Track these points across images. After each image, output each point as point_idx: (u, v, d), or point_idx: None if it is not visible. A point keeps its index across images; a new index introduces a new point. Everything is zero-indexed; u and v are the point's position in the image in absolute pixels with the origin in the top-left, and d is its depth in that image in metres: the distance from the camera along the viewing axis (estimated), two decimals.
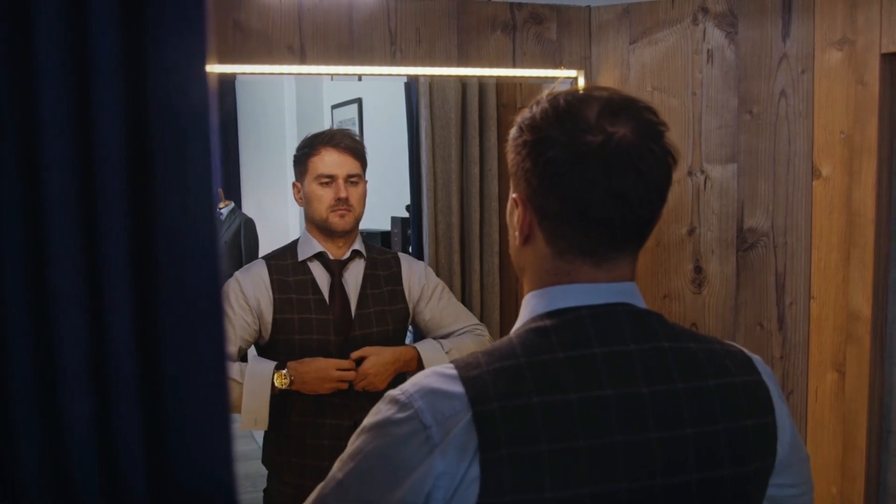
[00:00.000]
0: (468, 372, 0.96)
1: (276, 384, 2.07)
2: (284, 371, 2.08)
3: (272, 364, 2.10)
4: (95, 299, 0.74)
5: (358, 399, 2.12)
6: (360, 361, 2.13)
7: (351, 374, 2.10)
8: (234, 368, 2.09)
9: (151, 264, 0.75)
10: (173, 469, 0.78)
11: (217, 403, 0.79)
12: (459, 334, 2.28)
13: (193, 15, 0.73)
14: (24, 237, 0.71)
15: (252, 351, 2.21)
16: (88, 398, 0.74)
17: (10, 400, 0.72)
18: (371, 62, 2.32)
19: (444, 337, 2.29)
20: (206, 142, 0.74)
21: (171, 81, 0.73)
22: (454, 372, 0.96)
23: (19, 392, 0.73)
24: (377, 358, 2.13)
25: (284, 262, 2.20)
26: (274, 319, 2.13)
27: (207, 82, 0.74)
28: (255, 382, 2.06)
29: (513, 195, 1.05)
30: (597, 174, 0.95)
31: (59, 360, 0.73)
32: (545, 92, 1.03)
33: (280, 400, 2.11)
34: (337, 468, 1.00)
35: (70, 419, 0.74)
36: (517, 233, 1.05)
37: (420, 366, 2.17)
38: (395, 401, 0.97)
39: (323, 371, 2.08)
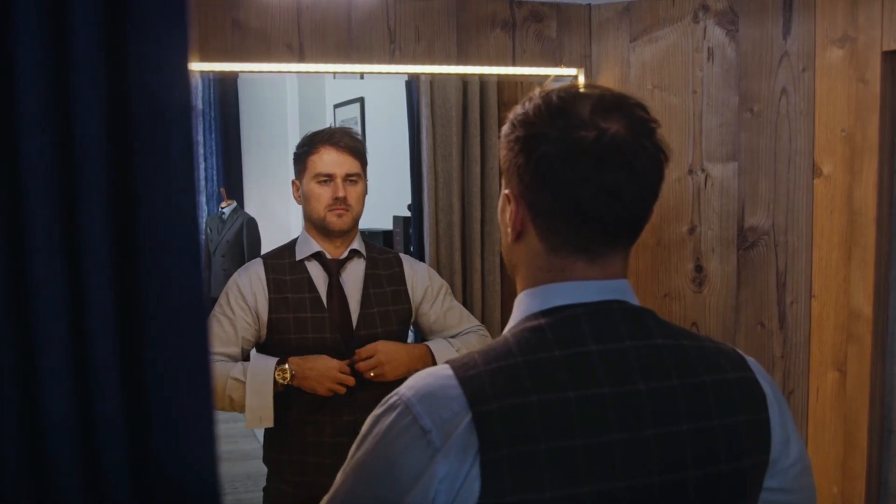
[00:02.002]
0: (465, 372, 0.95)
1: (277, 379, 2.06)
2: (286, 366, 2.07)
3: (273, 360, 2.09)
4: (77, 297, 0.73)
5: (359, 396, 2.11)
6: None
7: (351, 380, 2.09)
8: (237, 368, 2.08)
9: (133, 261, 0.75)
10: (156, 467, 0.77)
11: (201, 401, 0.78)
12: (464, 334, 2.28)
13: (176, 9, 0.73)
14: (3, 235, 0.71)
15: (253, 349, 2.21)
16: (70, 397, 0.74)
17: None
18: (370, 60, 2.31)
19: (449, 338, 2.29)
20: (188, 138, 0.74)
21: (153, 77, 0.73)
22: (450, 373, 0.95)
23: None
24: (391, 346, 2.13)
25: (282, 262, 2.20)
26: (269, 319, 2.13)
27: (190, 78, 0.73)
28: (257, 380, 2.06)
29: (505, 191, 1.04)
30: (589, 170, 0.95)
31: (39, 359, 0.72)
32: (537, 89, 1.03)
33: (281, 397, 2.11)
34: (340, 481, 0.99)
35: (51, 418, 0.73)
36: (509, 229, 1.04)
37: (433, 364, 2.16)
38: (392, 406, 0.96)
39: (326, 370, 2.07)
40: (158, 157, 0.74)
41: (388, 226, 3.11)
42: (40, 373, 0.73)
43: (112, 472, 0.76)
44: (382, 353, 2.11)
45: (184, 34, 0.73)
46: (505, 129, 1.03)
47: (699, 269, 2.44)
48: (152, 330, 0.76)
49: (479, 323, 2.35)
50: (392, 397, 0.97)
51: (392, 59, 2.33)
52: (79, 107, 0.71)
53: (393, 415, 0.95)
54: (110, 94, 0.73)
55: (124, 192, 0.74)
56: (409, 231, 2.86)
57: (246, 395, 2.05)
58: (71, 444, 0.74)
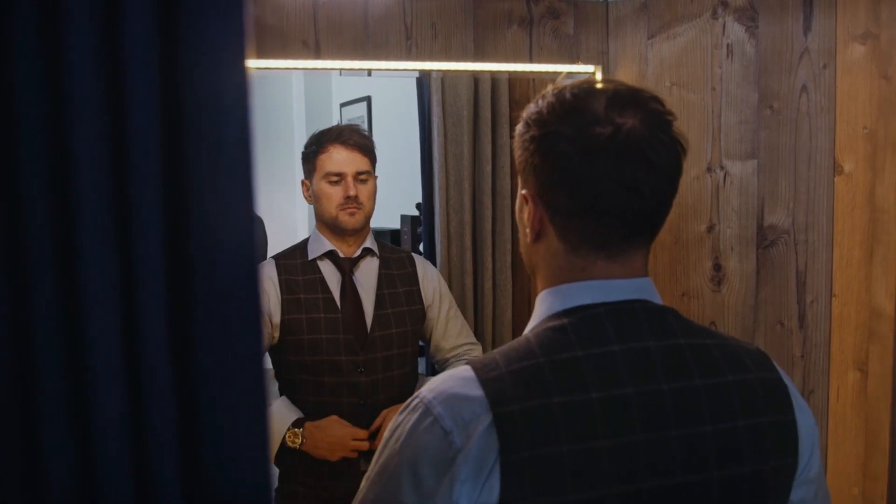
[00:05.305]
0: (487, 374, 0.94)
1: (288, 443, 2.05)
2: (298, 430, 2.05)
3: (289, 420, 2.07)
4: (128, 294, 0.70)
5: (374, 399, 2.09)
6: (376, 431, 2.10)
7: (364, 445, 2.07)
8: None
9: (186, 258, 0.72)
10: (207, 468, 0.75)
11: (252, 401, 0.75)
12: (455, 361, 2.26)
13: None
14: (54, 230, 0.68)
15: (275, 389, 2.17)
16: (120, 397, 0.71)
17: (40, 398, 0.69)
18: (386, 57, 2.29)
19: (443, 350, 2.28)
20: (244, 129, 0.71)
21: (208, 65, 0.70)
22: (472, 374, 0.95)
23: (49, 391, 0.69)
24: (394, 410, 2.09)
25: (293, 262, 2.17)
26: (282, 320, 2.10)
27: (246, 66, 0.70)
28: None
29: (522, 192, 1.03)
30: (607, 166, 0.94)
31: (90, 358, 0.70)
32: (550, 86, 1.02)
33: (296, 403, 2.09)
34: (366, 487, 0.98)
35: (101, 418, 0.71)
36: (528, 230, 1.03)
37: None
38: (414, 409, 0.96)
39: (338, 440, 2.05)
40: (213, 149, 0.71)
41: (396, 225, 3.09)
42: (90, 372, 0.70)
43: (161, 471, 0.74)
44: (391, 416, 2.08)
45: (240, 22, 0.70)
46: (519, 128, 1.02)
47: (718, 267, 2.42)
48: (204, 328, 0.73)
49: (475, 340, 2.34)
50: (413, 400, 0.97)
51: (409, 56, 2.31)
52: (132, 97, 0.68)
53: (414, 417, 0.95)
54: (164, 83, 0.70)
55: (177, 185, 0.71)
56: (416, 230, 2.83)
57: None
58: (121, 449, 0.72)
